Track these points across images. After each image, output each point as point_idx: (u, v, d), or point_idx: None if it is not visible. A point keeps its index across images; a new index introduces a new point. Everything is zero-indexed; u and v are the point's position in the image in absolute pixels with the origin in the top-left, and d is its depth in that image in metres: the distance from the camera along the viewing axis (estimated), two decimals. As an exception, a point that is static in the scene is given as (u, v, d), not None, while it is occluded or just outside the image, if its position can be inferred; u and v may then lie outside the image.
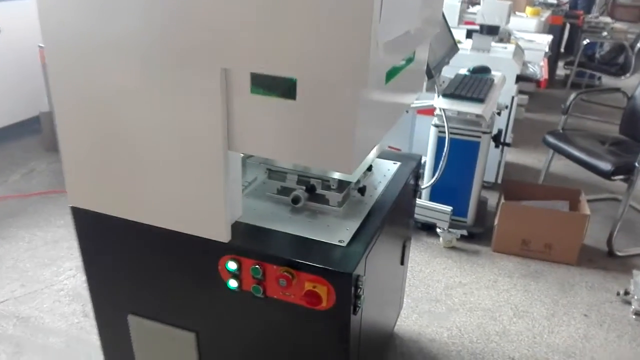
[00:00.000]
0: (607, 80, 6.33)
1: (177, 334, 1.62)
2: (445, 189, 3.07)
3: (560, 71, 7.08)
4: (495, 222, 3.11)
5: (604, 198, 3.86)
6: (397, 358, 2.30)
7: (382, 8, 1.13)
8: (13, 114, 4.22)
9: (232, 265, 1.42)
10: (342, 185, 1.64)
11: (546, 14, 5.74)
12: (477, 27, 3.65)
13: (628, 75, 5.59)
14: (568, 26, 7.13)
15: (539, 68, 3.95)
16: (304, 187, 1.63)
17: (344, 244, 1.45)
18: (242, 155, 1.51)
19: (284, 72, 1.19)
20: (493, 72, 3.17)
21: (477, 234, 3.20)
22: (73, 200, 1.56)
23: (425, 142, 3.12)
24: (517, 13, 5.16)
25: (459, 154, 2.95)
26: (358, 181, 1.70)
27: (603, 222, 3.42)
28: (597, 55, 6.10)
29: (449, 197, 3.07)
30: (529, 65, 3.93)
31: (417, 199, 2.49)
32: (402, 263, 2.13)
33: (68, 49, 1.33)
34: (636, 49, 5.48)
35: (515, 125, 3.89)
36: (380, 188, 1.80)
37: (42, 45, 1.38)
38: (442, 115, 2.79)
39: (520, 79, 3.57)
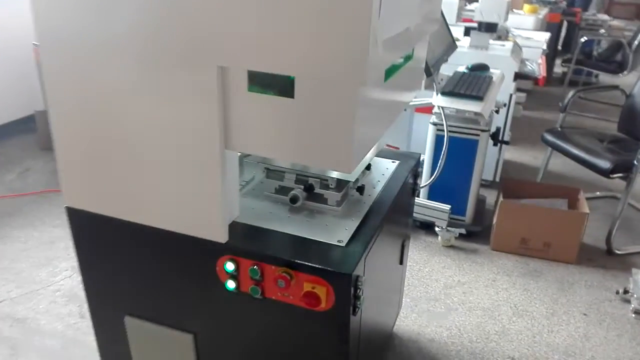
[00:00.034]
0: (605, 78, 6.33)
1: (174, 336, 1.60)
2: (444, 187, 3.05)
3: (558, 69, 7.08)
4: (494, 220, 3.10)
5: (602, 196, 3.85)
6: (397, 358, 2.28)
7: (381, 4, 1.11)
8: (8, 113, 4.19)
9: (230, 266, 1.40)
10: (340, 184, 1.62)
11: (544, 11, 5.73)
12: (475, 25, 3.64)
13: (626, 72, 5.57)
14: (565, 24, 7.12)
15: (537, 66, 3.94)
16: (302, 187, 1.61)
17: (343, 244, 1.43)
18: (239, 154, 1.49)
19: (282, 70, 1.16)
20: (491, 70, 3.15)
21: (475, 232, 3.19)
22: (68, 201, 1.54)
23: (423, 141, 3.11)
24: (514, 10, 5.15)
25: (458, 152, 2.94)
26: (357, 180, 1.68)
27: (602, 220, 3.41)
28: (595, 53, 6.09)
29: (447, 196, 3.06)
30: (527, 62, 3.92)
31: (416, 198, 2.47)
32: (401, 262, 2.11)
33: (62, 47, 1.31)
34: (634, 47, 5.47)
35: (513, 123, 3.88)
36: (379, 187, 1.78)
37: (37, 43, 1.36)
38: (440, 114, 2.77)
39: (518, 76, 3.55)
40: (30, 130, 4.28)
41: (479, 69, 3.11)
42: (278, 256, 1.36)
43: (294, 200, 1.58)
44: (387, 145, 2.17)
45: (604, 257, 3.11)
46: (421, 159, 2.15)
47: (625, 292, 2.73)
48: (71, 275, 2.72)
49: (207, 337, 1.58)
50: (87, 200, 1.51)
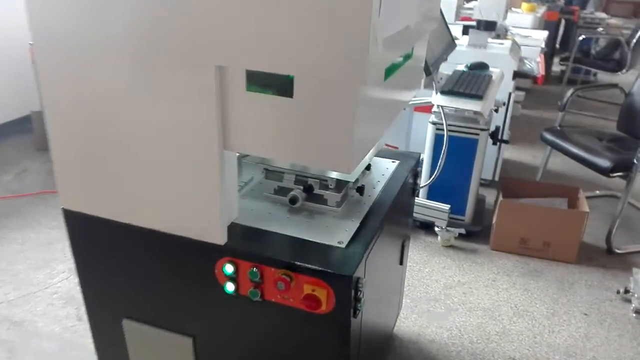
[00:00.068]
0: (603, 76, 6.33)
1: (173, 339, 1.58)
2: (443, 187, 3.04)
3: (556, 67, 7.08)
4: (494, 220, 3.09)
5: (601, 195, 3.83)
6: None
7: (381, 3, 1.10)
8: (4, 113, 4.16)
9: (229, 269, 1.38)
10: (340, 184, 1.60)
11: (542, 9, 5.72)
12: (473, 23, 3.63)
13: (624, 71, 5.57)
14: (563, 22, 7.11)
15: (535, 64, 3.93)
16: (302, 187, 1.60)
17: (343, 245, 1.41)
18: (237, 154, 1.47)
19: (281, 69, 1.15)
20: (491, 69, 3.14)
21: (475, 232, 3.17)
22: (65, 203, 1.52)
23: (422, 140, 3.09)
24: (512, 9, 5.13)
25: (457, 151, 2.92)
26: (356, 180, 1.67)
27: (601, 220, 3.40)
28: (593, 51, 6.08)
29: (446, 195, 3.04)
30: (525, 61, 3.91)
31: (415, 198, 2.45)
32: (401, 263, 2.10)
33: (58, 46, 1.30)
34: (632, 45, 5.46)
35: (512, 122, 3.87)
36: (379, 187, 1.77)
37: (32, 42, 1.34)
38: (440, 113, 2.76)
39: (517, 75, 3.54)
40: (27, 131, 4.26)
41: (478, 68, 3.09)
42: (277, 258, 1.35)
43: (293, 201, 1.56)
44: (386, 145, 2.15)
45: (604, 257, 3.10)
46: (420, 158, 2.14)
47: (626, 291, 2.72)
48: (68, 277, 2.70)
49: (206, 341, 1.56)
50: (84, 202, 1.49)
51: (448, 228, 3.02)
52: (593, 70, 6.22)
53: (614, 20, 7.58)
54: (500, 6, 3.39)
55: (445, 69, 2.89)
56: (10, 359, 2.20)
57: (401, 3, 1.34)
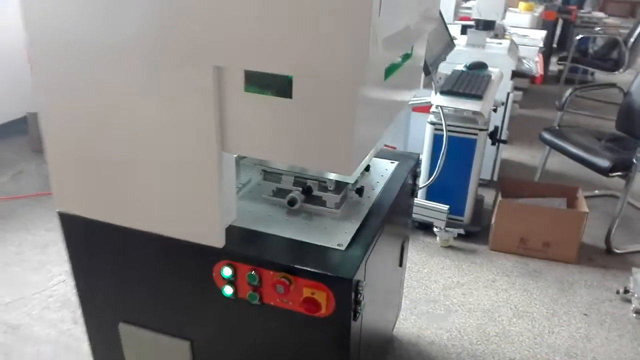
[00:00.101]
0: (601, 76, 6.32)
1: (170, 343, 1.56)
2: (442, 187, 3.02)
3: (553, 67, 7.06)
4: (493, 220, 3.07)
5: (600, 195, 3.82)
6: (396, 361, 2.26)
7: (381, 2, 1.08)
8: (0, 115, 4.13)
9: (227, 272, 1.36)
10: (339, 186, 1.58)
11: (539, 9, 5.71)
12: (471, 23, 3.61)
13: (622, 70, 5.56)
14: (560, 21, 7.11)
15: (534, 64, 3.92)
16: (301, 189, 1.58)
17: (342, 248, 1.40)
18: (235, 155, 1.45)
19: (280, 69, 1.13)
20: (490, 68, 3.12)
21: (474, 232, 3.16)
22: (60, 205, 1.50)
23: (420, 140, 3.07)
24: (510, 8, 5.12)
25: (456, 151, 2.90)
26: (356, 182, 1.65)
27: (601, 219, 3.38)
28: (591, 51, 6.07)
29: (445, 196, 3.02)
30: (524, 61, 3.90)
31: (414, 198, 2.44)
32: (400, 264, 2.08)
33: (53, 48, 1.28)
34: (630, 44, 5.45)
35: (510, 121, 3.85)
36: (378, 188, 1.75)
37: (27, 45, 1.32)
38: (439, 113, 2.74)
39: (515, 74, 3.53)
40: (23, 133, 4.23)
41: (478, 68, 3.08)
42: (276, 261, 1.33)
43: (292, 202, 1.54)
44: (385, 145, 2.13)
45: (603, 257, 3.09)
46: (419, 159, 2.12)
47: (626, 291, 2.70)
48: (65, 280, 2.67)
49: (204, 345, 1.54)
50: (79, 204, 1.47)
51: (447, 228, 3.01)
52: (590, 69, 6.21)
53: (611, 20, 7.59)
54: (498, 6, 3.38)
55: (444, 69, 2.87)
56: (6, 363, 2.18)
57: (401, 3, 1.32)
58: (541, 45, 4.40)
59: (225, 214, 1.38)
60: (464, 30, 3.72)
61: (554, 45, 7.22)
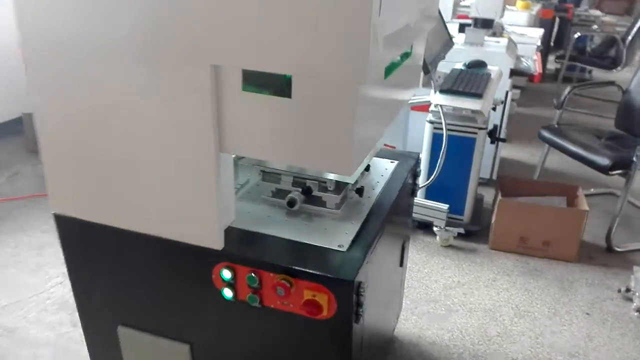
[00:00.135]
0: (598, 74, 6.32)
1: (170, 346, 1.54)
2: (441, 186, 3.00)
3: (551, 65, 7.06)
4: (493, 219, 3.06)
5: (600, 193, 3.81)
6: (397, 362, 2.24)
7: (381, 0, 1.06)
8: (-5, 116, 4.11)
9: (226, 274, 1.34)
10: (339, 186, 1.56)
11: (536, 7, 5.70)
12: (469, 21, 3.60)
13: (619, 68, 5.55)
14: (557, 20, 7.10)
15: (532, 62, 3.90)
16: (300, 189, 1.56)
17: (343, 249, 1.38)
18: (233, 156, 1.43)
19: (278, 68, 1.11)
20: (489, 67, 3.11)
21: (474, 231, 3.14)
22: (55, 207, 1.48)
23: (419, 139, 3.06)
24: (507, 7, 5.11)
25: (455, 150, 2.88)
26: (356, 182, 1.63)
27: (601, 218, 3.37)
28: (588, 49, 6.07)
29: (445, 195, 3.01)
30: (522, 59, 3.88)
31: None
32: (401, 264, 2.06)
33: (48, 48, 1.25)
34: (627, 42, 5.44)
35: (508, 120, 3.84)
36: (379, 188, 1.73)
37: (21, 45, 1.29)
38: (438, 112, 2.72)
39: (514, 73, 3.51)
40: (18, 133, 4.20)
41: (477, 66, 3.06)
42: (276, 263, 1.31)
43: (291, 203, 1.52)
44: (384, 145, 2.12)
45: (604, 255, 3.07)
46: (419, 158, 2.10)
47: (627, 290, 2.69)
48: (62, 282, 2.65)
49: (204, 348, 1.52)
50: (75, 206, 1.45)
51: (447, 228, 2.99)
52: (588, 67, 6.21)
53: (607, 18, 7.58)
54: (497, 3, 3.36)
55: (443, 68, 2.86)
56: (3, 367, 2.16)
57: (401, 1, 1.30)
58: (539, 43, 4.39)
59: (223, 215, 1.36)
60: (461, 28, 3.70)
61: (551, 44, 7.21)
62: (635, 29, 5.40)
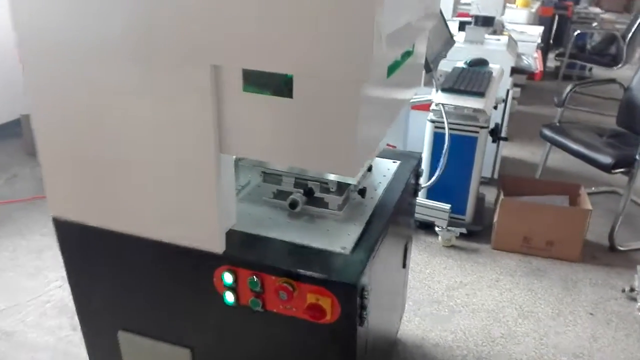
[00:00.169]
0: (598, 71, 6.29)
1: (171, 351, 1.52)
2: (443, 186, 2.97)
3: (551, 63, 7.04)
4: (495, 219, 3.03)
5: (602, 191, 3.79)
6: (400, 364, 2.22)
7: (385, -2, 1.04)
8: (-7, 118, 4.09)
9: (228, 278, 1.32)
10: (341, 187, 1.54)
11: (536, 5, 5.68)
12: (469, 19, 3.57)
13: (620, 65, 5.53)
14: (557, 17, 7.08)
15: (533, 60, 3.88)
16: (302, 191, 1.53)
17: (346, 251, 1.35)
18: (234, 157, 1.41)
19: (279, 68, 1.08)
20: (491, 65, 3.08)
21: (476, 231, 3.12)
22: (54, 210, 1.45)
23: (420, 139, 3.03)
24: (507, 5, 5.09)
25: (457, 149, 2.86)
26: (358, 182, 1.61)
27: (603, 216, 3.35)
28: (588, 46, 6.04)
29: (446, 195, 2.98)
30: (523, 57, 3.86)
31: (416, 198, 2.40)
32: (404, 266, 2.04)
33: (44, 49, 1.23)
34: (627, 40, 5.42)
35: (508, 118, 3.82)
36: (381, 189, 1.71)
37: (18, 45, 1.27)
38: (440, 111, 2.70)
39: (515, 71, 3.49)
40: (16, 135, 4.17)
41: (478, 64, 3.04)
42: (279, 266, 1.29)
43: (293, 205, 1.50)
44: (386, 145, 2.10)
45: (607, 254, 3.05)
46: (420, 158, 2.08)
47: (631, 290, 2.67)
48: (61, 285, 2.62)
49: (205, 352, 1.50)
50: (74, 209, 1.42)
51: (449, 228, 2.97)
52: (588, 65, 6.19)
53: (607, 15, 7.57)
54: (498, 1, 3.34)
55: (444, 66, 2.83)
56: (2, 372, 2.13)
57: (404, -1, 1.28)
58: (539, 41, 4.37)
59: (224, 218, 1.34)
60: (461, 26, 3.68)
61: (550, 41, 7.18)
62: (635, 26, 5.38)
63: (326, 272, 1.26)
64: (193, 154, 1.22)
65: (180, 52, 1.12)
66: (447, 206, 2.85)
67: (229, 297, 1.34)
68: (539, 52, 4.24)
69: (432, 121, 2.90)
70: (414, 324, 2.43)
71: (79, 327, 1.67)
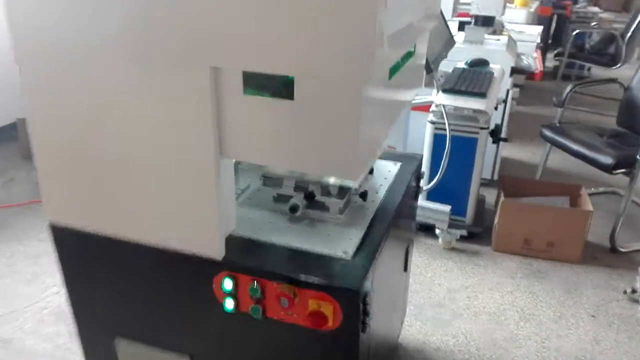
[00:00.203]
0: (597, 71, 6.27)
1: (169, 359, 1.49)
2: (443, 187, 2.94)
3: (549, 62, 7.02)
4: (496, 220, 3.01)
5: (602, 192, 3.77)
6: (402, 369, 2.19)
7: (387, -1, 1.02)
8: (-11, 121, 4.05)
9: (227, 284, 1.29)
10: (342, 190, 1.52)
11: (535, 4, 5.66)
12: (469, 19, 3.55)
13: (619, 65, 5.51)
14: (555, 17, 7.07)
15: (532, 60, 3.86)
16: (302, 194, 1.51)
17: (348, 256, 1.33)
18: (234, 160, 1.38)
19: (280, 69, 1.06)
20: (491, 65, 3.06)
21: (476, 233, 3.09)
22: (51, 215, 1.43)
23: (420, 140, 3.01)
24: (506, 4, 5.07)
25: (457, 151, 2.83)
26: (359, 185, 1.58)
27: (604, 217, 3.32)
28: (587, 46, 6.02)
29: (446, 196, 2.95)
30: (522, 57, 3.84)
31: (416, 200, 2.37)
32: (405, 269, 2.02)
33: (41, 50, 1.21)
34: (626, 39, 5.40)
35: (508, 119, 3.80)
36: (382, 192, 1.68)
37: (14, 46, 1.24)
38: (442, 112, 2.67)
39: (515, 71, 3.46)
40: (13, 139, 4.14)
41: (479, 65, 3.01)
42: (279, 272, 1.26)
43: (293, 209, 1.47)
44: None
45: (608, 256, 3.03)
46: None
47: (633, 291, 2.65)
48: (59, 291, 2.59)
49: (204, 360, 1.47)
50: (71, 215, 1.40)
51: (449, 230, 2.94)
52: (587, 65, 6.17)
53: (605, 15, 7.55)
54: (498, 1, 3.32)
55: (444, 67, 2.81)
56: (-2, 379, 2.10)
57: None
58: (538, 41, 4.35)
59: (224, 223, 1.31)
60: (461, 26, 3.66)
61: (549, 41, 7.17)
62: (634, 26, 5.37)
63: (328, 278, 1.23)
64: (192, 157, 1.19)
65: (178, 53, 1.09)
66: (448, 208, 2.83)
67: (229, 304, 1.32)
68: (539, 51, 4.22)
69: (432, 122, 2.88)
70: (415, 328, 2.40)
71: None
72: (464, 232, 3.01)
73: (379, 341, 1.62)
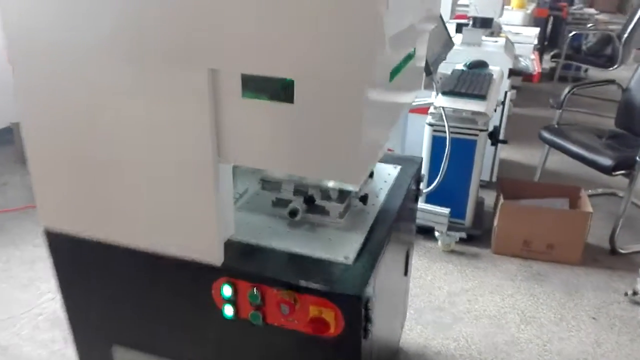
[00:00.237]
0: (594, 72, 6.27)
1: (167, 366, 1.47)
2: (442, 190, 2.92)
3: (546, 64, 7.00)
4: (495, 223, 2.99)
5: (601, 193, 3.76)
6: (403, 373, 2.17)
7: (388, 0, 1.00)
8: (-17, 126, 4.01)
9: (227, 291, 1.27)
10: (342, 194, 1.50)
11: (531, 6, 5.65)
12: (466, 21, 3.54)
13: (616, 66, 5.51)
14: (551, 19, 7.07)
15: (530, 61, 3.85)
16: (302, 198, 1.49)
17: (349, 261, 1.31)
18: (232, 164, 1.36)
19: (280, 72, 1.05)
20: (490, 67, 3.04)
21: (475, 236, 3.07)
22: (45, 220, 1.40)
23: (418, 142, 2.99)
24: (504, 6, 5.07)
25: (456, 153, 2.80)
26: (359, 189, 1.56)
27: (604, 219, 3.31)
28: (584, 47, 6.01)
29: (445, 199, 2.92)
30: (520, 59, 3.83)
31: (415, 203, 2.35)
32: (405, 273, 2.00)
33: (34, 52, 1.19)
34: (623, 40, 5.40)
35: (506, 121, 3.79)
36: (382, 195, 1.66)
37: (6, 48, 1.22)
38: (441, 114, 2.65)
39: (513, 73, 3.45)
40: (8, 143, 4.10)
41: (478, 67, 3.00)
42: (279, 278, 1.24)
43: (293, 213, 1.45)
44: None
45: (609, 257, 3.02)
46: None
47: (634, 293, 2.63)
48: (55, 297, 2.56)
49: (203, 367, 1.45)
50: (66, 220, 1.37)
51: (448, 232, 2.92)
52: (584, 66, 6.17)
53: (601, 16, 7.56)
54: (496, 3, 3.30)
55: (443, 69, 2.79)
56: (-6, 387, 2.07)
57: (406, 1, 1.24)
58: (536, 42, 4.34)
59: (223, 228, 1.29)
60: (458, 28, 3.64)
61: (546, 43, 7.17)
62: (630, 26, 5.36)
63: (329, 284, 1.21)
64: (191, 161, 1.17)
65: (174, 55, 1.07)
66: (447, 210, 2.80)
67: (228, 310, 1.29)
68: (536, 53, 4.21)
69: (431, 125, 2.86)
70: (416, 332, 2.38)
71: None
72: (463, 235, 3.00)
73: (381, 346, 1.60)
